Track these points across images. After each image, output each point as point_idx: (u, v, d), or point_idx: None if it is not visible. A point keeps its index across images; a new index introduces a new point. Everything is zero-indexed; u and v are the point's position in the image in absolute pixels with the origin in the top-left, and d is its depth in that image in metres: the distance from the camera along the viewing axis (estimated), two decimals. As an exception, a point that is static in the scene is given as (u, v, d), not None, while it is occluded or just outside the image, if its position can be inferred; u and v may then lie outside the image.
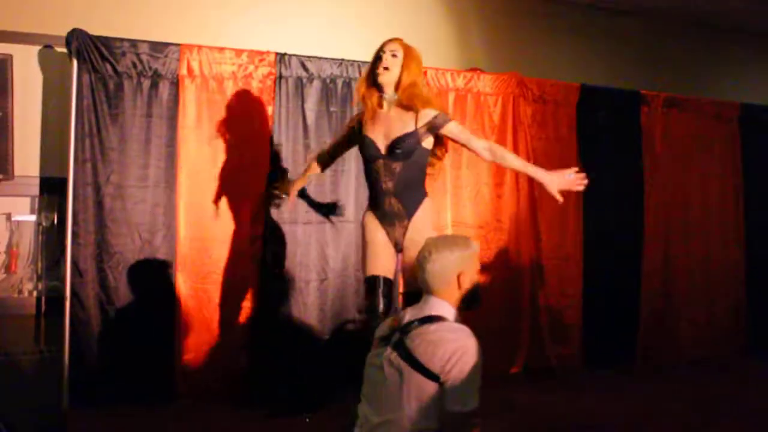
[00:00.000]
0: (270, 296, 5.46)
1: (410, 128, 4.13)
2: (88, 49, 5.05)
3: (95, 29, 5.10)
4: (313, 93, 5.66)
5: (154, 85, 5.27)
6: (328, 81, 5.73)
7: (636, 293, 6.74)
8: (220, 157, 5.39)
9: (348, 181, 5.74)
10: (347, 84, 5.78)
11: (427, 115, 4.15)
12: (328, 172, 5.58)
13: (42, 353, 5.34)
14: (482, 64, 6.56)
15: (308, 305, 5.60)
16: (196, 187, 5.31)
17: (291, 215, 5.51)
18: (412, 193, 4.20)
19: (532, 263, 6.29)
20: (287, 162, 5.55)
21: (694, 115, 7.13)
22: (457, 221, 6.07)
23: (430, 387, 2.77)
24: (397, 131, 4.15)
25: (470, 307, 3.05)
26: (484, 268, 5.86)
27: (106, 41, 5.12)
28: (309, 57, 5.68)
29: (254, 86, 5.51)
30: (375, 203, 4.30)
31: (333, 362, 5.53)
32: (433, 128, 4.16)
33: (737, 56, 8.53)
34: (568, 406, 5.34)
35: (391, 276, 4.26)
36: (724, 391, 5.85)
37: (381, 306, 4.17)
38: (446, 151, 4.45)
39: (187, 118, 5.32)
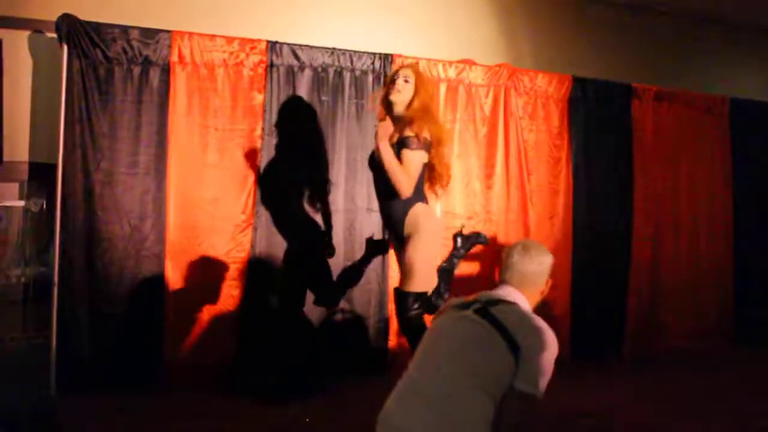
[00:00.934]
0: (258, 284, 5.46)
1: (395, 139, 4.38)
2: (79, 35, 5.03)
3: (86, 15, 5.08)
4: (304, 82, 5.66)
5: (145, 72, 5.25)
6: (319, 70, 5.72)
7: (624, 286, 6.76)
8: (211, 145, 5.38)
9: (338, 170, 5.78)
10: (338, 73, 5.77)
11: (408, 130, 4.35)
12: (343, 162, 5.78)
13: (30, 340, 5.32)
14: (474, 55, 6.55)
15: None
16: (186, 175, 5.30)
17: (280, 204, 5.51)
18: (407, 200, 4.37)
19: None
20: (277, 151, 5.54)
21: (684, 109, 7.16)
22: (447, 211, 6.07)
23: (504, 355, 2.80)
24: (393, 140, 4.38)
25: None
26: (472, 257, 5.87)
27: (96, 27, 5.10)
28: (300, 45, 5.68)
29: (245, 74, 5.50)
30: (382, 211, 4.66)
31: (322, 351, 5.54)
32: (400, 145, 4.35)
33: (728, 50, 8.54)
34: (555, 399, 5.33)
35: None
36: (711, 382, 5.89)
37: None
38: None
39: (178, 106, 5.30)
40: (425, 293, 4.35)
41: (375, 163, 4.48)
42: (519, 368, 2.79)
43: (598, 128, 6.73)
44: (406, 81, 4.49)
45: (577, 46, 7.50)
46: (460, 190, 6.15)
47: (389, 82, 4.58)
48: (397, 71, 4.60)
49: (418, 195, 4.45)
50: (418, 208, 4.41)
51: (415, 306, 4.29)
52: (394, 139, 4.37)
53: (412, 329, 4.27)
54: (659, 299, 6.94)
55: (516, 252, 3.22)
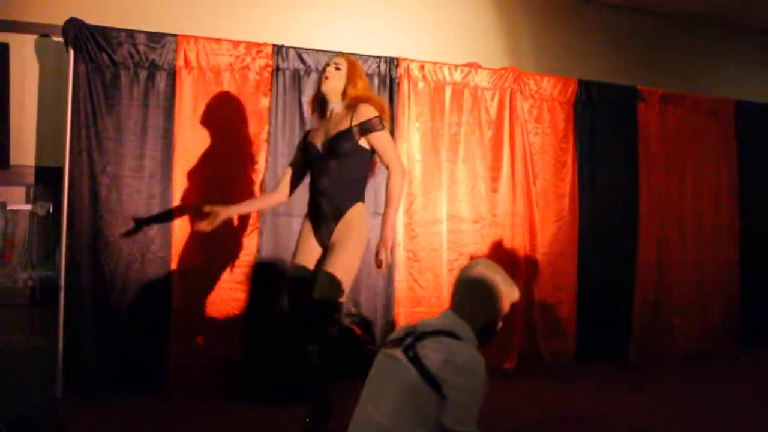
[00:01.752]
0: (264, 288, 5.46)
1: (346, 126, 4.21)
2: (85, 39, 5.05)
3: (92, 19, 5.10)
4: (310, 85, 5.64)
5: (151, 76, 5.27)
6: (325, 73, 5.72)
7: (630, 288, 6.74)
8: (216, 149, 5.39)
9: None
10: (344, 77, 5.77)
11: (364, 114, 4.22)
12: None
13: (36, 343, 5.34)
14: (480, 59, 6.55)
15: (303, 297, 5.59)
16: (191, 179, 5.31)
17: (286, 208, 5.50)
18: (343, 194, 4.24)
19: (526, 258, 6.30)
20: (283, 155, 5.54)
21: (690, 112, 7.15)
22: (453, 215, 6.08)
23: (431, 395, 2.74)
24: (335, 130, 4.25)
25: (481, 343, 2.99)
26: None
27: (102, 31, 5.12)
28: (306, 49, 5.69)
29: (251, 78, 5.51)
30: (311, 205, 4.39)
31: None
32: (364, 129, 4.21)
33: (734, 53, 8.54)
34: (562, 401, 5.35)
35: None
36: (716, 384, 5.89)
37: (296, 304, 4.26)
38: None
39: (184, 110, 5.31)
40: (342, 303, 4.18)
41: (334, 150, 4.20)
42: (447, 408, 2.73)
43: (604, 131, 6.73)
44: (337, 68, 4.35)
45: (582, 50, 7.50)
46: (465, 193, 6.15)
47: (320, 74, 4.47)
48: (328, 61, 4.45)
49: (360, 193, 4.33)
50: (359, 208, 4.28)
51: (334, 318, 4.10)
52: (343, 126, 4.21)
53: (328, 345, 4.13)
54: (665, 301, 6.92)
55: (462, 270, 3.08)
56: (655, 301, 6.87)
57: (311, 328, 4.13)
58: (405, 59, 5.95)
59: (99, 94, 5.13)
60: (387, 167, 4.26)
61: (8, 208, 5.42)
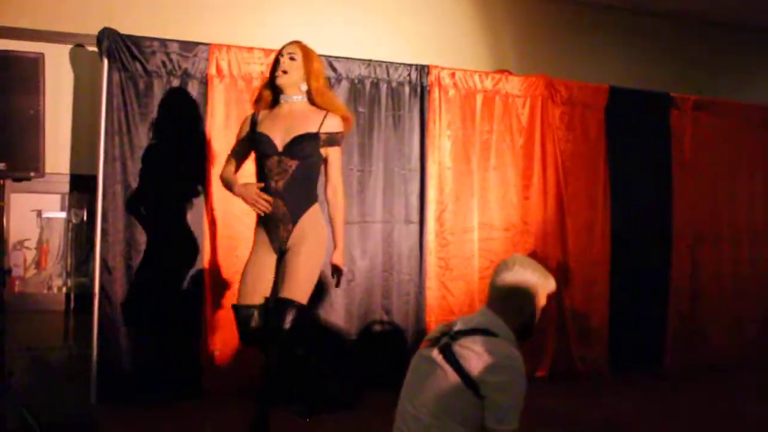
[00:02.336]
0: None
1: (313, 129, 4.07)
2: (119, 48, 5.11)
3: (126, 28, 5.16)
4: (341, 93, 5.66)
5: (184, 84, 5.32)
6: (356, 81, 5.74)
7: (664, 296, 6.70)
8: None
9: (376, 182, 5.76)
10: (375, 85, 5.79)
11: (332, 125, 4.12)
12: (355, 172, 5.62)
13: (70, 349, 5.39)
14: (510, 66, 6.54)
15: (335, 306, 5.61)
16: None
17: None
18: (301, 197, 4.08)
19: (558, 266, 6.27)
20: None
21: (724, 119, 7.10)
22: (484, 223, 6.07)
23: (469, 396, 2.71)
24: (299, 129, 4.06)
25: (520, 338, 2.96)
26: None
27: (136, 40, 5.17)
28: (337, 57, 5.71)
29: (283, 86, 5.54)
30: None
31: (359, 362, 5.55)
32: (330, 141, 4.11)
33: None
34: (594, 410, 5.31)
35: (267, 295, 4.10)
36: (751, 395, 5.81)
37: (251, 340, 4.08)
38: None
39: (216, 118, 5.35)
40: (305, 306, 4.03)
41: (297, 151, 4.03)
42: (487, 408, 2.69)
43: (636, 138, 6.69)
44: (292, 58, 4.14)
45: (614, 56, 7.44)
46: (497, 201, 6.15)
47: (273, 64, 4.21)
48: (280, 50, 4.21)
49: (316, 195, 4.18)
50: (317, 209, 4.14)
51: (295, 320, 3.92)
52: (310, 128, 4.05)
53: (290, 349, 4.03)
54: (699, 310, 6.87)
55: (497, 269, 3.00)
56: (690, 309, 6.81)
57: (287, 334, 3.93)
58: (436, 67, 5.96)
59: (132, 103, 5.18)
60: (332, 183, 4.17)
61: (44, 216, 5.48)
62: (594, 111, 6.56)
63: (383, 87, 5.82)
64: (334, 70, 5.68)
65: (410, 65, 5.90)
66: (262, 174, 4.12)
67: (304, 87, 4.17)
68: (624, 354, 6.47)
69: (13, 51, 4.64)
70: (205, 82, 5.34)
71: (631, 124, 6.69)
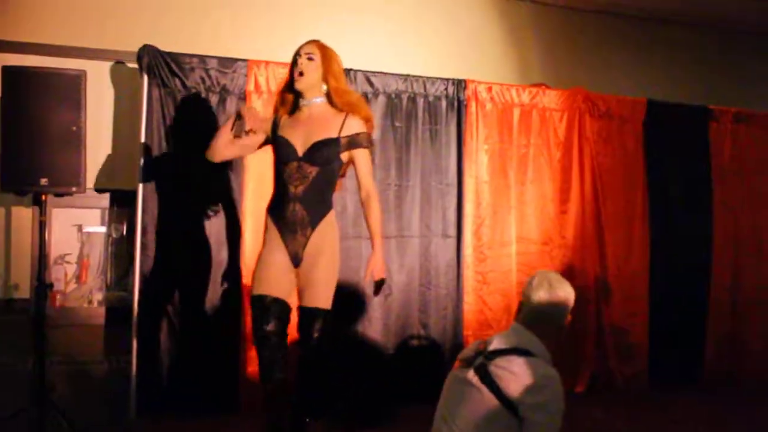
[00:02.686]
0: (334, 310, 5.47)
1: (333, 134, 3.97)
2: (158, 65, 5.15)
3: (165, 45, 5.21)
4: (378, 108, 5.67)
5: (222, 101, 5.34)
6: (393, 96, 5.75)
7: (704, 311, 6.61)
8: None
9: (413, 196, 5.75)
10: (412, 99, 5.79)
11: (353, 127, 4.01)
12: (393, 187, 5.61)
13: (110, 362, 5.43)
14: (547, 80, 6.52)
15: (372, 320, 5.60)
16: (262, 202, 5.32)
17: (355, 230, 5.51)
18: (320, 203, 4.00)
19: (597, 280, 6.22)
20: (352, 178, 5.54)
21: (764, 131, 6.98)
22: (522, 237, 6.05)
23: (507, 417, 2.70)
24: (320, 134, 3.97)
25: (552, 346, 2.95)
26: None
27: (175, 57, 5.21)
28: (374, 72, 5.72)
29: (320, 102, 5.55)
30: (277, 210, 4.05)
31: (397, 376, 5.54)
32: (352, 144, 4.00)
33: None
34: (634, 427, 5.26)
35: (285, 296, 3.99)
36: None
37: (272, 328, 3.90)
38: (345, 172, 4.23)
39: (254, 133, 5.37)
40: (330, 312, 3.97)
41: (317, 157, 3.94)
42: (524, 429, 2.68)
43: (675, 152, 6.62)
44: (310, 58, 4.02)
45: (651, 69, 7.40)
46: (534, 215, 6.12)
47: (291, 65, 4.08)
48: (298, 50, 4.09)
49: (331, 201, 4.10)
50: (332, 216, 4.06)
51: (323, 327, 3.90)
52: (330, 133, 3.96)
53: (322, 355, 3.96)
54: (741, 326, 6.75)
55: (531, 286, 2.98)
56: (731, 324, 6.71)
57: (316, 342, 3.91)
58: (473, 81, 5.95)
59: (171, 119, 5.22)
60: (364, 187, 4.06)
61: (84, 231, 5.55)
62: (632, 124, 6.51)
63: (420, 101, 5.82)
64: (371, 84, 5.69)
65: (447, 80, 5.90)
66: (280, 179, 4.04)
67: (324, 88, 4.06)
68: (663, 368, 6.39)
69: (56, 68, 4.72)
70: (243, 98, 5.36)
71: (670, 137, 6.61)
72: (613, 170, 6.39)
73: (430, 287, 5.76)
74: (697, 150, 6.72)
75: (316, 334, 3.89)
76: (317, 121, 4.02)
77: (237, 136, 4.09)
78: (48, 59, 5.22)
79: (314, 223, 3.97)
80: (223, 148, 4.15)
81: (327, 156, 3.96)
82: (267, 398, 3.96)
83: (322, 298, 3.94)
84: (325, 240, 3.98)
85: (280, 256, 4.01)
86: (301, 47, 4.11)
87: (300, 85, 4.01)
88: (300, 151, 3.97)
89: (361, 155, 4.05)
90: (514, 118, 6.08)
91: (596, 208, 6.28)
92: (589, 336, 6.12)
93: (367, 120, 4.11)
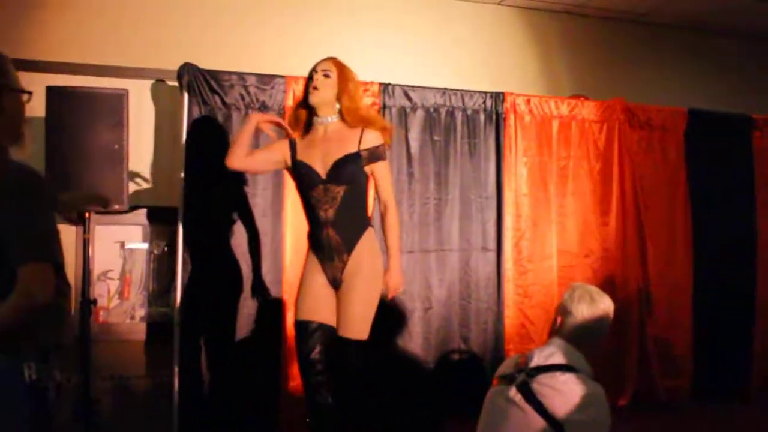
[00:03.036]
0: (374, 326, 5.46)
1: (352, 149, 3.89)
2: (198, 82, 5.20)
3: (205, 63, 5.25)
4: (416, 122, 5.68)
5: (261, 117, 5.38)
6: (431, 110, 5.74)
7: (749, 323, 6.50)
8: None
9: (452, 210, 5.73)
10: (450, 113, 5.78)
11: (371, 140, 3.93)
12: (432, 200, 5.60)
13: (152, 378, 5.48)
14: (585, 91, 6.48)
15: (413, 334, 5.58)
16: (301, 216, 5.34)
17: (405, 244, 5.50)
18: (354, 223, 3.92)
19: (639, 292, 6.14)
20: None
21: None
22: (563, 249, 6.00)
23: None
24: (338, 152, 3.89)
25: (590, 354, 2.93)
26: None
27: (215, 74, 5.26)
28: (412, 87, 5.72)
29: (358, 116, 5.57)
30: (312, 236, 4.03)
31: (437, 391, 5.52)
32: (373, 157, 3.92)
33: None
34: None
35: (328, 321, 3.94)
36: None
37: (316, 355, 3.86)
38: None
39: (293, 149, 5.40)
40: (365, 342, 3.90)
41: (341, 176, 3.87)
42: None
43: (717, 162, 6.53)
44: (326, 75, 3.94)
45: (690, 79, 7.33)
46: (575, 227, 6.07)
47: (307, 81, 4.01)
48: (314, 67, 4.02)
49: (367, 219, 4.03)
50: (370, 234, 3.97)
51: (356, 357, 3.85)
52: (349, 149, 3.88)
53: (354, 383, 3.90)
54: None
55: (572, 300, 2.93)
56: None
57: (349, 372, 3.88)
58: (511, 94, 5.93)
59: (212, 136, 5.26)
60: (382, 200, 4.02)
61: (126, 247, 5.61)
62: (673, 134, 6.43)
63: (458, 115, 5.81)
64: (410, 99, 5.69)
65: (485, 93, 5.89)
66: (308, 205, 3.99)
67: (337, 107, 3.99)
68: (709, 383, 6.29)
69: (98, 88, 4.81)
70: (282, 114, 5.38)
71: (712, 147, 6.53)
72: (654, 181, 6.33)
73: (470, 301, 5.74)
74: (740, 159, 6.62)
75: (348, 363, 3.86)
76: (334, 140, 3.95)
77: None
78: (91, 79, 5.30)
79: (350, 246, 3.91)
80: (242, 155, 4.09)
81: (352, 172, 3.89)
82: (309, 423, 3.96)
83: (357, 330, 3.89)
84: (364, 261, 3.91)
85: (320, 279, 3.99)
86: (317, 64, 4.05)
87: (314, 99, 3.94)
88: (323, 173, 3.90)
89: (380, 168, 3.99)
90: (553, 130, 6.05)
91: (638, 220, 6.21)
92: (632, 348, 6.05)
93: (384, 129, 4.03)
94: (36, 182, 2.46)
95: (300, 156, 3.99)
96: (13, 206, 2.36)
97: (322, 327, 3.92)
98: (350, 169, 3.88)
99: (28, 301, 2.32)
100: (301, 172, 3.98)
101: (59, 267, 2.47)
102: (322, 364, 3.88)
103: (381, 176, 4.00)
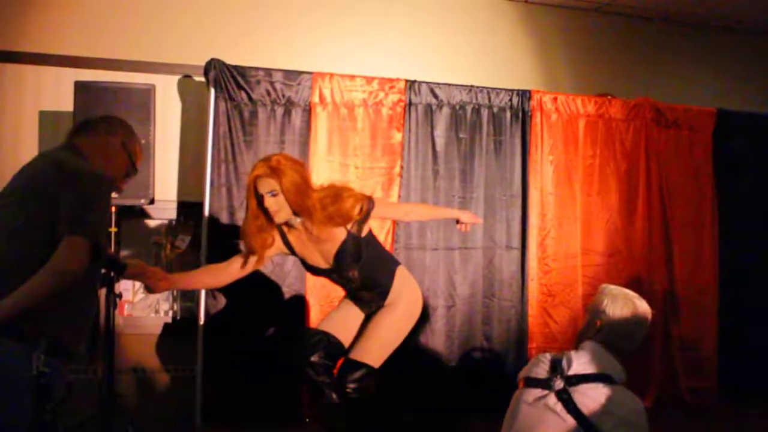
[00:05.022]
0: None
1: (342, 235, 3.76)
2: (225, 78, 5.22)
3: (231, 59, 5.28)
4: (442, 119, 5.68)
5: (287, 113, 5.39)
6: (457, 107, 5.73)
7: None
8: (351, 183, 5.40)
9: (477, 207, 5.70)
10: (476, 110, 5.77)
11: (351, 214, 3.71)
12: (457, 198, 5.59)
13: (176, 371, 5.51)
14: (611, 90, 6.44)
15: (435, 331, 5.58)
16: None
17: (419, 241, 5.52)
18: (380, 277, 3.92)
19: (665, 293, 6.11)
20: (415, 189, 5.58)
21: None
22: (588, 249, 5.97)
23: None
24: (333, 244, 3.78)
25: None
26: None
27: (241, 70, 5.28)
28: (438, 84, 5.72)
29: (384, 113, 5.57)
30: (350, 296, 4.08)
31: (460, 389, 5.51)
32: (362, 222, 3.77)
33: None
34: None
35: (343, 340, 3.96)
36: None
37: (316, 359, 3.87)
38: None
39: (319, 145, 5.42)
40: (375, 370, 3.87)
41: (349, 262, 3.82)
42: None
43: (745, 162, 6.48)
44: (273, 195, 3.60)
45: (718, 79, 7.24)
46: (600, 227, 6.04)
47: (257, 198, 3.66)
48: (255, 186, 3.63)
49: (392, 258, 4.20)
50: (401, 272, 3.99)
51: (361, 382, 3.81)
52: (340, 236, 3.75)
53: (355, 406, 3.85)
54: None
55: (612, 303, 2.85)
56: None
57: (350, 395, 3.84)
58: (538, 92, 5.92)
59: (238, 131, 5.28)
60: (401, 217, 4.18)
61: (152, 241, 5.63)
62: (701, 134, 6.38)
63: (484, 112, 5.80)
64: (436, 96, 5.68)
65: (511, 90, 5.87)
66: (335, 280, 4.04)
67: (299, 220, 3.76)
68: (734, 383, 6.23)
69: (126, 83, 4.84)
70: (308, 110, 5.41)
71: (740, 147, 6.47)
72: (682, 181, 6.28)
73: (494, 299, 5.72)
74: (769, 159, 6.56)
75: (351, 387, 3.82)
76: (322, 234, 3.74)
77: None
78: (119, 74, 5.34)
79: (384, 293, 3.93)
80: (213, 280, 4.23)
81: (355, 253, 3.81)
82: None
83: (373, 355, 3.86)
84: (400, 298, 3.93)
85: (353, 307, 4.07)
86: (255, 178, 3.64)
87: (279, 220, 3.71)
88: (328, 265, 3.88)
89: (377, 213, 3.89)
90: (580, 128, 6.02)
91: (664, 220, 6.17)
92: (657, 350, 6.01)
93: (351, 196, 3.75)
94: (99, 178, 2.82)
95: (297, 251, 3.92)
96: (75, 191, 2.68)
97: (332, 341, 3.95)
98: (353, 251, 3.81)
99: (58, 267, 2.54)
100: (306, 267, 4.00)
101: (99, 249, 2.68)
102: (323, 367, 3.90)
103: (382, 213, 4.07)
